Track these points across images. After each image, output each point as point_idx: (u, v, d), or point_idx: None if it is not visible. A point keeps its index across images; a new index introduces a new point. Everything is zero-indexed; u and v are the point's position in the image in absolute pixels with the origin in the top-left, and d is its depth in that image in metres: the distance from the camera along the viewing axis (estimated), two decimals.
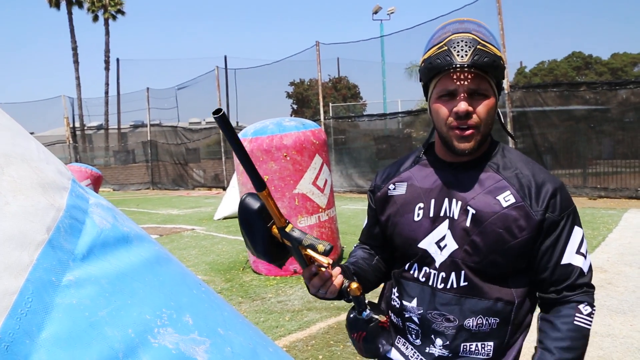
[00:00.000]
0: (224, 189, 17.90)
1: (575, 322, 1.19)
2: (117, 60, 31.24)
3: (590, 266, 1.24)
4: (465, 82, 1.13)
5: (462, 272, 1.23)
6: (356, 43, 17.82)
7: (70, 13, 30.91)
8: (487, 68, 1.13)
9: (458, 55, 1.11)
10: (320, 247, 1.04)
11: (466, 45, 1.11)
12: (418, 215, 1.29)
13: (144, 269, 0.66)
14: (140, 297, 0.60)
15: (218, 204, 12.22)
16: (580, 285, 1.21)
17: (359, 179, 15.54)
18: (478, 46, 1.11)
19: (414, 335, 1.32)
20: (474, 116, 1.16)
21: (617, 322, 3.85)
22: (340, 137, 16.57)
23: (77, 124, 28.77)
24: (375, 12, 26.33)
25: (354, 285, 1.20)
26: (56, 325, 0.50)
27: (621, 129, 10.82)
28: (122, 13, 32.23)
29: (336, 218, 6.40)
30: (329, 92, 30.91)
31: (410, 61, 23.22)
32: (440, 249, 1.25)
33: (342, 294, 1.20)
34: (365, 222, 1.52)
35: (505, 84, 11.85)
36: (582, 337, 1.19)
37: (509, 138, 11.76)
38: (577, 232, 1.22)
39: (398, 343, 1.37)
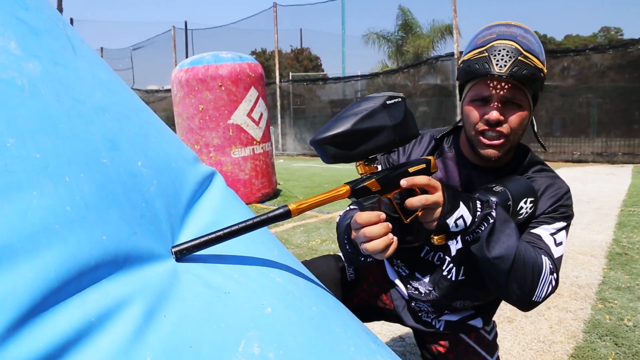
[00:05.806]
0: None
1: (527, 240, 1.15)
2: (71, 20, 30.04)
3: (560, 258, 1.18)
4: (501, 92, 1.10)
5: (462, 268, 1.29)
6: (315, 7, 17.76)
7: None
8: (525, 81, 1.09)
9: (497, 64, 1.07)
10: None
11: (507, 55, 1.07)
12: None
13: None
14: None
15: None
16: (546, 250, 1.16)
17: None
18: (519, 57, 1.07)
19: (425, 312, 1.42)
20: (505, 125, 1.13)
21: None
22: (296, 101, 16.58)
23: None
24: None
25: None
26: None
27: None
28: None
29: (272, 153, 6.48)
30: (290, 63, 30.75)
31: (367, 29, 23.25)
32: (456, 241, 1.28)
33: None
34: None
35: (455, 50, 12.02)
36: (517, 248, 1.06)
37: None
38: (560, 223, 1.20)
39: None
